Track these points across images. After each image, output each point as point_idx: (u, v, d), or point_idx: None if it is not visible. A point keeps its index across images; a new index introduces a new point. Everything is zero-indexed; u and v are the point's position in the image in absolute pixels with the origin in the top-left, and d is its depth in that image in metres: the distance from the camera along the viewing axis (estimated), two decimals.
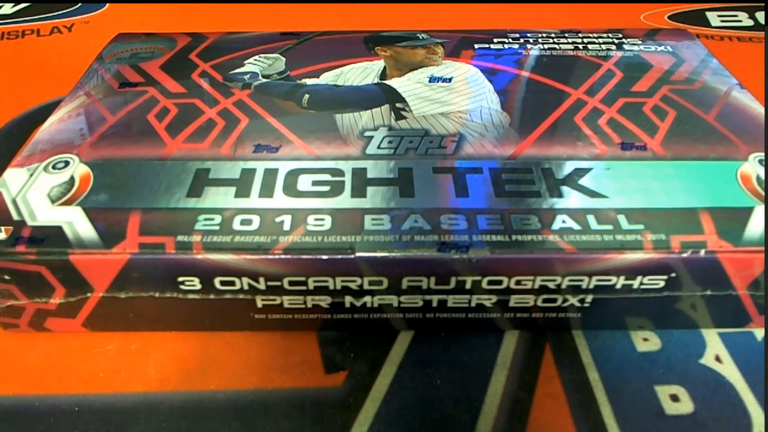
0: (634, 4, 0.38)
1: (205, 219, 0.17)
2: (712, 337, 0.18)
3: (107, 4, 0.34)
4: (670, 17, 0.37)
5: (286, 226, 0.17)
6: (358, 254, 0.16)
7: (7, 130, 0.27)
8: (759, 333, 0.18)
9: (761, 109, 0.22)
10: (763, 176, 0.18)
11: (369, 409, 0.17)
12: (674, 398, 0.17)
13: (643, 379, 0.17)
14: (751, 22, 0.37)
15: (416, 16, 0.37)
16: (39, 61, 0.31)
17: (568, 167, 0.19)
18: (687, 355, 0.18)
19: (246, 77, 0.23)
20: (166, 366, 0.18)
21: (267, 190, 0.18)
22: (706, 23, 0.37)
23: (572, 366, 0.18)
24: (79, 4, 0.34)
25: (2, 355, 0.18)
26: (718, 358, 0.18)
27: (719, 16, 0.38)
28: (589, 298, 0.17)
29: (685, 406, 0.17)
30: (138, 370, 0.17)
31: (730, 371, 0.17)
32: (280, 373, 0.17)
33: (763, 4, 0.38)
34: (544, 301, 0.17)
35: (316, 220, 0.17)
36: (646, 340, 0.18)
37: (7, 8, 0.35)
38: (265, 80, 0.23)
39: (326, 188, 0.18)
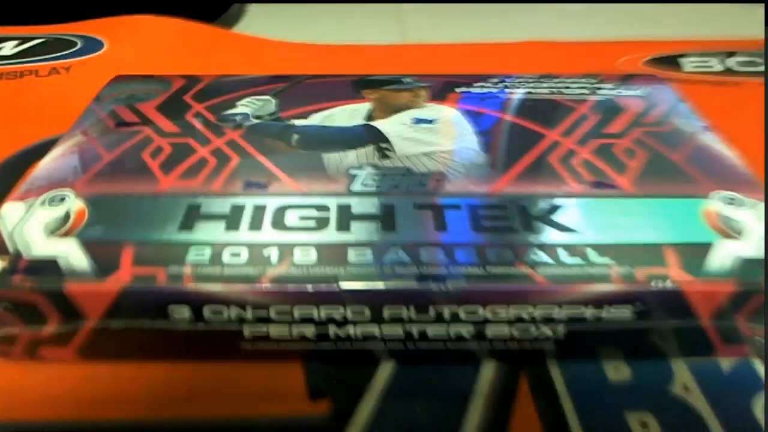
0: (612, 49, 0.40)
1: (196, 251, 0.18)
2: (680, 367, 0.19)
3: (105, 47, 0.36)
4: (645, 62, 0.39)
5: (274, 259, 0.18)
6: (341, 284, 0.17)
7: (4, 167, 0.27)
8: (724, 362, 0.19)
9: (727, 151, 0.23)
10: (726, 214, 0.20)
11: None
12: (643, 425, 0.18)
13: (615, 407, 0.18)
14: (721, 68, 0.39)
15: (402, 59, 0.39)
16: (37, 100, 0.32)
17: (542, 204, 0.20)
18: (656, 384, 0.19)
19: (238, 118, 0.24)
20: (154, 394, 0.18)
21: (255, 225, 0.19)
22: (680, 68, 0.39)
23: (547, 395, 0.18)
24: (78, 46, 0.36)
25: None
26: (685, 387, 0.19)
27: (692, 62, 0.39)
28: (561, 328, 0.18)
29: None
30: (127, 398, 0.18)
31: (696, 399, 0.18)
32: (266, 401, 0.18)
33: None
34: (519, 331, 0.18)
35: (302, 252, 0.18)
36: (617, 369, 0.19)
37: (8, 49, 0.36)
38: (256, 121, 0.24)
39: (312, 223, 0.19)
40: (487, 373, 0.19)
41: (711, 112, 0.25)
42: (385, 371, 0.19)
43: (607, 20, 0.48)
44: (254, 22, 0.46)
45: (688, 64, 0.39)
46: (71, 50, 0.36)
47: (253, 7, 0.48)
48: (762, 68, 0.38)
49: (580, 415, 0.18)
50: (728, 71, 0.38)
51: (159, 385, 0.18)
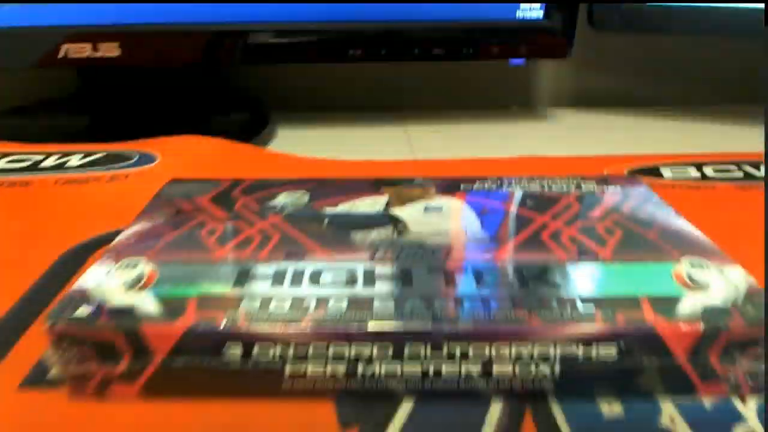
0: (597, 161, 0.46)
1: (248, 301, 0.21)
2: (666, 405, 0.22)
3: (157, 160, 0.42)
4: (629, 172, 0.45)
5: (312, 307, 0.21)
6: (369, 324, 0.20)
7: (75, 252, 0.32)
8: (707, 401, 0.22)
9: (694, 230, 0.27)
10: (693, 274, 0.23)
11: None
12: None
13: None
14: (698, 175, 0.44)
15: (412, 171, 0.44)
16: (99, 201, 0.37)
17: (535, 268, 0.24)
18: (646, 418, 0.21)
19: (278, 207, 0.29)
20: (206, 425, 0.21)
21: (296, 283, 0.23)
22: (660, 176, 0.44)
23: (548, 428, 0.21)
24: (134, 159, 0.42)
25: (73, 417, 0.21)
26: (672, 420, 0.21)
27: (671, 170, 0.45)
28: (558, 366, 0.21)
29: None
30: (184, 429, 0.21)
31: (682, 430, 0.21)
32: (302, 429, 0.21)
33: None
34: (521, 368, 0.21)
35: (335, 302, 0.21)
36: (610, 406, 0.22)
37: (75, 161, 0.42)
38: (293, 209, 0.29)
39: (342, 281, 0.23)
40: (495, 410, 0.22)
41: (688, 212, 0.29)
42: (406, 408, 0.22)
43: (590, 136, 0.55)
44: (284, 143, 0.53)
45: (668, 172, 0.44)
46: (128, 162, 0.42)
47: (281, 131, 0.55)
48: (734, 174, 0.43)
49: None
50: (704, 177, 0.43)
51: (210, 419, 0.21)
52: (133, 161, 0.42)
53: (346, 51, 0.49)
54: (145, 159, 0.42)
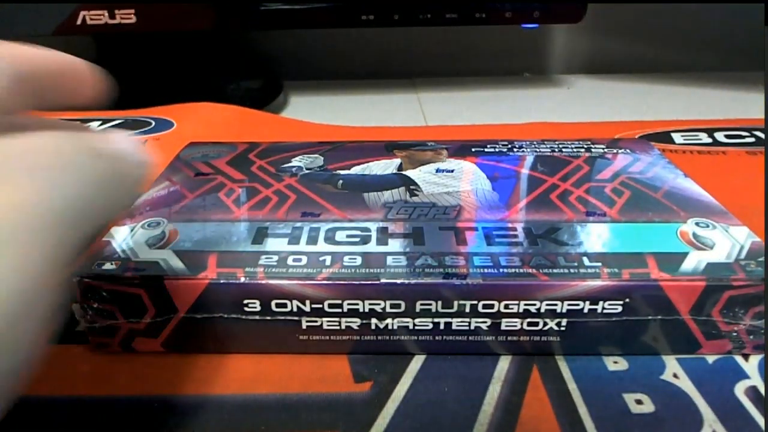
0: (609, 126, 0.46)
1: (266, 257, 0.22)
2: (670, 361, 0.22)
3: (174, 126, 0.42)
4: (640, 137, 0.45)
5: (327, 263, 0.22)
6: (382, 281, 0.21)
7: None
8: (710, 358, 0.23)
9: (701, 191, 0.27)
10: (698, 233, 0.24)
11: (390, 408, 0.21)
12: (638, 402, 0.21)
13: (613, 388, 0.21)
14: (710, 140, 0.44)
15: (424, 136, 0.45)
16: None
17: (543, 227, 0.24)
18: (650, 372, 0.22)
19: (293, 169, 0.30)
20: (226, 376, 0.22)
21: (312, 241, 0.24)
22: (671, 141, 0.44)
23: (555, 379, 0.22)
24: (152, 126, 0.43)
25: (100, 369, 0.22)
26: (675, 375, 0.22)
27: (683, 135, 0.45)
28: (564, 321, 0.22)
29: (648, 407, 0.20)
30: (205, 379, 0.22)
31: (685, 384, 0.21)
32: (318, 382, 0.22)
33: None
34: (528, 324, 0.22)
35: (349, 258, 0.22)
36: (615, 362, 0.22)
37: (93, 127, 0.43)
38: (308, 171, 0.30)
39: (357, 239, 0.24)
40: (504, 364, 0.22)
41: (699, 176, 0.30)
42: (417, 362, 0.23)
43: (602, 104, 0.55)
44: (297, 109, 0.53)
45: (679, 137, 0.44)
46: (146, 128, 0.43)
47: (294, 98, 0.56)
48: (746, 140, 0.43)
49: (582, 393, 0.21)
50: (715, 143, 0.43)
51: (229, 370, 0.22)
52: (150, 127, 0.43)
53: (359, 16, 0.49)
54: (162, 125, 0.43)
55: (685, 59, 0.67)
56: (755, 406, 0.20)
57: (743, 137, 0.44)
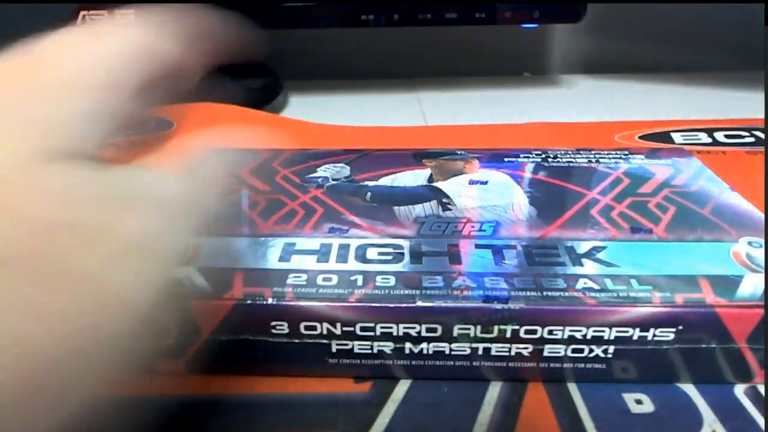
0: (609, 126, 0.44)
1: (294, 276, 0.21)
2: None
3: (174, 126, 0.42)
4: (640, 137, 0.43)
5: (359, 283, 0.21)
6: (418, 303, 0.20)
7: None
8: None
9: (750, 206, 0.26)
10: (752, 253, 0.22)
11: (390, 407, 0.20)
12: (638, 402, 0.20)
13: (613, 388, 0.21)
14: (709, 140, 0.43)
15: (425, 138, 0.43)
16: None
17: (587, 245, 0.23)
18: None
19: (319, 180, 0.29)
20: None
21: (342, 259, 0.22)
22: (671, 141, 0.43)
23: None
24: (153, 124, 0.42)
25: None
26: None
27: (682, 135, 0.44)
28: (611, 349, 0.20)
29: (648, 407, 0.20)
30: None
31: (685, 384, 0.21)
32: (318, 382, 0.21)
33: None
34: (573, 351, 0.20)
35: (382, 279, 0.21)
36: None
37: None
38: (334, 182, 0.28)
39: (389, 257, 0.22)
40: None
41: None
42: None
43: (602, 104, 0.53)
44: (297, 109, 0.53)
45: (679, 137, 0.43)
46: (146, 128, 0.42)
47: (294, 98, 0.55)
48: (746, 140, 0.42)
49: (582, 394, 0.21)
50: (715, 142, 0.42)
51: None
52: (150, 127, 0.42)
53: (359, 16, 0.49)
54: (162, 125, 0.42)
55: (685, 59, 0.65)
56: (755, 406, 0.20)
57: (743, 137, 0.43)
